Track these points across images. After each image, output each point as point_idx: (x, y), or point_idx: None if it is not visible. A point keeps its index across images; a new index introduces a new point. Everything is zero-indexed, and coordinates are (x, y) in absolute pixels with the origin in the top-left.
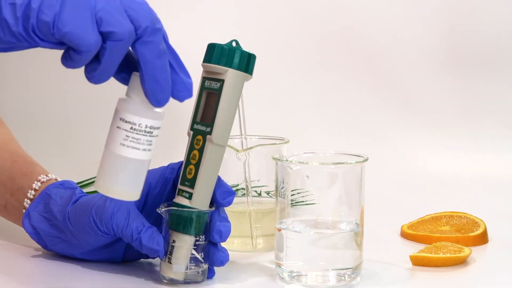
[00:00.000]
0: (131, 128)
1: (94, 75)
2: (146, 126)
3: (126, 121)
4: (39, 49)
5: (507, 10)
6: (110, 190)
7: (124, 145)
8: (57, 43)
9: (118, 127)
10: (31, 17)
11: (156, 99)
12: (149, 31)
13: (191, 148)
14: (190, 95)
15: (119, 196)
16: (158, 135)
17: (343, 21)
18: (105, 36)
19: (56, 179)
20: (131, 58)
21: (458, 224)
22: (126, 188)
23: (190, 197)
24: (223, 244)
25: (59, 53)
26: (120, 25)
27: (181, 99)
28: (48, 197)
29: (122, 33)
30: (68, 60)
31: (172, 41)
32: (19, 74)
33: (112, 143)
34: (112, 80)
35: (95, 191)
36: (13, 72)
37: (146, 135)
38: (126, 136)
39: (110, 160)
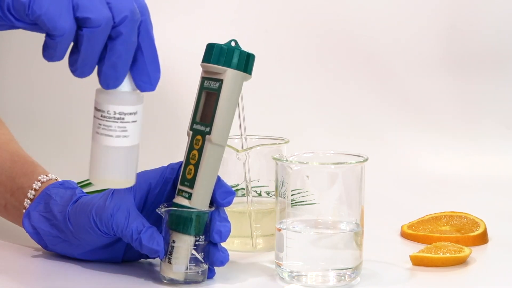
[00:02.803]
0: (101, 116)
1: (77, 66)
2: (115, 113)
3: (97, 109)
4: (39, 48)
5: (507, 10)
6: (95, 179)
7: (98, 133)
8: (33, 24)
9: (94, 116)
10: None
11: (107, 83)
12: (126, 21)
13: (190, 148)
14: (152, 88)
15: (106, 185)
16: (137, 121)
17: (343, 21)
18: (81, 22)
19: (56, 179)
20: None
21: (458, 224)
22: (111, 176)
23: (189, 197)
24: (223, 244)
25: None
26: (97, 12)
27: (141, 89)
28: (48, 197)
29: (99, 20)
30: (46, 49)
31: (171, 41)
32: (19, 74)
33: (92, 133)
34: None
35: (95, 191)
36: (13, 72)
37: (117, 122)
38: (99, 124)
39: (92, 150)
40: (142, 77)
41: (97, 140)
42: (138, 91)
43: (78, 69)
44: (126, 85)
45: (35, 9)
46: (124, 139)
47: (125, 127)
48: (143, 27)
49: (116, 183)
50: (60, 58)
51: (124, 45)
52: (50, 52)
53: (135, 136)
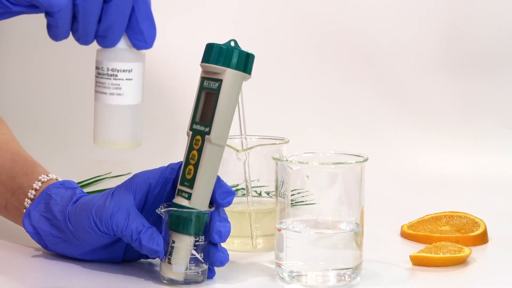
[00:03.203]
0: (98, 73)
1: (79, 35)
2: (108, 69)
3: (96, 68)
4: (39, 48)
5: (507, 10)
6: (95, 140)
7: (96, 91)
8: (29, 6)
9: (95, 76)
10: None
11: (104, 43)
12: None
13: (190, 148)
14: (147, 46)
15: (106, 146)
16: (133, 79)
17: (343, 21)
18: None
19: (56, 179)
20: None
21: (458, 224)
22: (109, 135)
23: (189, 197)
24: (223, 244)
25: (59, 53)
26: None
27: (137, 47)
28: (49, 197)
29: None
30: (49, 29)
31: (171, 41)
32: (19, 74)
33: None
34: None
35: (96, 191)
36: (13, 72)
37: (110, 78)
38: (96, 82)
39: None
40: (136, 35)
41: (95, 99)
42: (134, 49)
43: (81, 37)
44: (121, 42)
45: None
46: (118, 97)
47: (118, 85)
48: None
49: (114, 143)
50: (65, 35)
51: (119, 6)
52: (54, 31)
53: (131, 96)
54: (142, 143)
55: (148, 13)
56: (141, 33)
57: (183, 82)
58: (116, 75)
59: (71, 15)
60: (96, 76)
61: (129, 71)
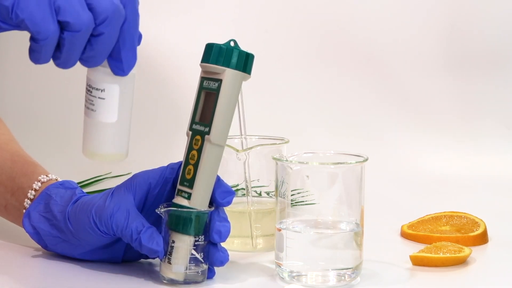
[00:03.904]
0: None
1: (59, 62)
2: (87, 84)
3: None
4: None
5: (507, 10)
6: (83, 150)
7: (84, 104)
8: (17, 26)
9: None
10: None
11: (86, 65)
12: (107, 22)
13: (189, 148)
14: (123, 74)
15: (89, 156)
16: (105, 99)
17: (343, 21)
18: (63, 26)
19: (56, 179)
20: None
21: (458, 224)
22: (92, 147)
23: (189, 197)
24: (223, 244)
25: None
26: (77, 16)
27: (114, 72)
28: (49, 197)
29: (79, 24)
30: (31, 52)
31: (171, 41)
32: (19, 74)
33: None
34: None
35: (96, 191)
36: (13, 72)
37: (87, 93)
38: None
39: None
40: (115, 62)
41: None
42: (110, 71)
43: (61, 63)
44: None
45: (18, 13)
46: (92, 113)
47: (92, 101)
48: (128, 13)
49: (96, 155)
50: (46, 60)
51: (105, 43)
52: (35, 55)
53: (104, 114)
54: (142, 142)
55: (132, 43)
56: (120, 61)
57: (183, 82)
58: (90, 92)
59: (55, 45)
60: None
61: (101, 91)
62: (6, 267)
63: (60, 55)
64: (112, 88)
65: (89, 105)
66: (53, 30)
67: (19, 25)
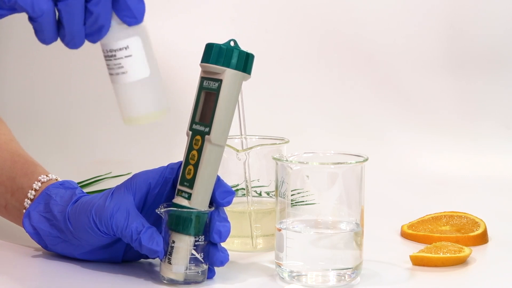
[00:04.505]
0: (104, 57)
1: (68, 40)
2: (107, 51)
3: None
4: (38, 48)
5: (507, 10)
6: (123, 119)
7: (109, 74)
8: (13, 9)
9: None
10: None
11: (92, 39)
12: None
13: (190, 148)
14: (137, 21)
15: (132, 122)
16: (132, 55)
17: (343, 21)
18: None
19: (56, 179)
20: None
21: (458, 224)
22: (131, 112)
23: (189, 197)
24: (223, 244)
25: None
26: None
27: (128, 24)
28: (49, 197)
29: None
30: (36, 33)
31: (171, 41)
32: (19, 74)
33: None
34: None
35: (96, 191)
36: (13, 72)
37: (111, 59)
38: (106, 65)
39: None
40: (124, 12)
41: (111, 81)
42: (125, 25)
43: (69, 41)
44: (112, 22)
45: None
46: (124, 76)
47: (120, 64)
48: None
49: (138, 118)
50: (52, 38)
51: (99, 4)
52: (40, 35)
53: (136, 71)
54: (142, 143)
55: None
56: (128, 9)
57: (183, 82)
58: (114, 56)
59: (54, 20)
60: (104, 60)
61: (125, 48)
62: (6, 267)
63: (64, 31)
64: (135, 41)
65: (118, 70)
66: (47, 5)
67: (14, 8)
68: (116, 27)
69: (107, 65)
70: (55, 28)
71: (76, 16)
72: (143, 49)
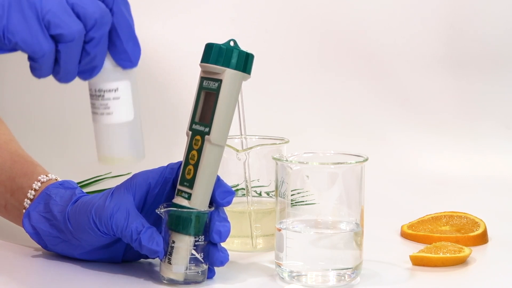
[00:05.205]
0: (90, 95)
1: (60, 77)
2: (95, 90)
3: (88, 90)
4: None
5: (507, 10)
6: (98, 157)
7: (92, 113)
8: (13, 49)
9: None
10: None
11: (84, 77)
12: (96, 26)
13: (189, 148)
14: (132, 65)
15: (107, 162)
16: (120, 97)
17: (343, 21)
18: (56, 39)
19: (56, 179)
20: None
21: (458, 224)
22: (108, 153)
23: (189, 197)
24: (223, 244)
25: None
26: (68, 26)
27: (123, 67)
28: (48, 197)
29: (71, 34)
30: (32, 70)
31: (170, 41)
32: (19, 74)
33: None
34: None
35: (96, 191)
36: (13, 72)
37: (98, 99)
38: (90, 103)
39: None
40: (121, 55)
41: (92, 120)
42: (118, 68)
43: (62, 78)
44: (105, 63)
45: (10, 38)
46: (108, 117)
47: (106, 104)
48: (116, 9)
49: (115, 160)
50: (48, 74)
51: (97, 46)
52: (37, 72)
53: (121, 114)
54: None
55: (131, 32)
56: (125, 53)
57: (183, 82)
58: (102, 96)
59: (53, 60)
60: (89, 98)
61: (115, 90)
62: (6, 267)
63: (59, 69)
64: (125, 84)
65: (103, 110)
66: (48, 46)
67: (14, 48)
68: (109, 69)
69: (92, 103)
70: (52, 67)
71: (74, 56)
72: (131, 93)
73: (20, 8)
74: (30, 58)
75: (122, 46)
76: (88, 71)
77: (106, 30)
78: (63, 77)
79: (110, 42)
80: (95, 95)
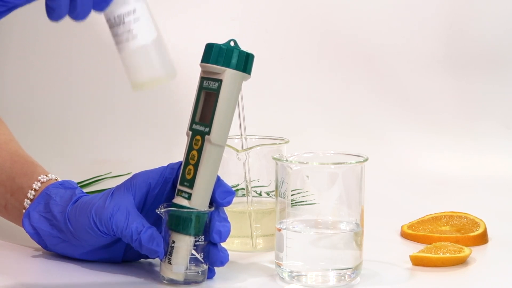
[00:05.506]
0: (109, 26)
1: (77, 12)
2: (115, 18)
3: (106, 22)
4: (38, 48)
5: (507, 10)
6: (132, 84)
7: (115, 44)
8: None
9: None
10: None
11: (100, 6)
12: None
13: (190, 148)
14: None
15: (144, 86)
16: (140, 18)
17: (343, 20)
18: None
19: (56, 179)
20: None
21: (458, 224)
22: (144, 77)
23: (189, 197)
24: (223, 244)
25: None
26: None
27: None
28: (48, 197)
29: None
30: (51, 12)
31: (170, 41)
32: (19, 74)
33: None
34: (112, 82)
35: (96, 191)
36: (13, 72)
37: (120, 26)
38: (112, 36)
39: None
40: None
41: (118, 51)
42: None
43: (79, 13)
44: None
45: None
46: (134, 41)
47: (129, 28)
48: None
49: (150, 82)
50: (65, 13)
51: None
52: (54, 12)
53: (145, 34)
54: (142, 142)
55: None
56: None
57: (183, 82)
58: (123, 22)
59: None
60: (109, 30)
61: (133, 12)
62: (6, 267)
63: (75, 3)
64: (140, 3)
65: (127, 35)
66: None
67: None
68: None
69: (114, 33)
70: (69, 3)
71: None
72: (148, 11)
73: None
74: None
75: None
76: (102, 2)
77: None
78: (80, 12)
79: None
80: (115, 23)
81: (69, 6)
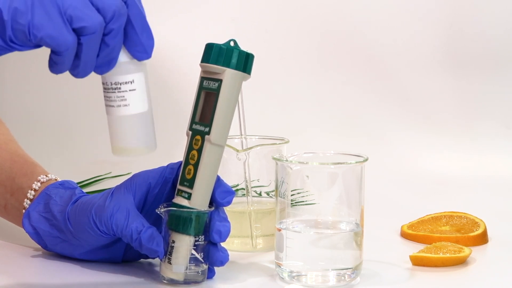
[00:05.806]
0: (104, 88)
1: (79, 70)
2: (111, 83)
3: (102, 83)
4: (38, 49)
5: (507, 10)
6: (112, 149)
7: (106, 105)
8: (37, 46)
9: (103, 91)
10: (7, 28)
11: (101, 70)
12: (115, 18)
13: (189, 148)
14: (147, 56)
15: (122, 154)
16: (136, 89)
17: (343, 20)
18: (78, 32)
19: (56, 179)
20: None
21: (458, 224)
22: (123, 144)
23: (189, 197)
24: (223, 244)
25: None
26: (90, 19)
27: (138, 59)
28: (48, 197)
29: (94, 26)
30: (53, 65)
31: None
32: (19, 74)
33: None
34: None
35: (96, 191)
36: (13, 72)
37: (114, 92)
38: (104, 97)
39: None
40: (136, 47)
41: (106, 113)
42: (134, 60)
43: (80, 72)
44: (120, 56)
45: (35, 33)
46: (125, 108)
47: (123, 96)
48: (130, 1)
49: (130, 151)
50: (68, 67)
51: (116, 38)
52: (58, 67)
53: (137, 105)
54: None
55: (145, 24)
56: (141, 45)
57: (183, 82)
58: (119, 88)
59: (75, 53)
60: (103, 92)
61: (131, 82)
62: (6, 267)
63: (78, 62)
64: (140, 76)
65: (120, 102)
66: (72, 39)
67: (38, 44)
68: (125, 61)
69: (108, 97)
70: (72, 61)
71: (94, 49)
72: (145, 84)
73: (43, 4)
74: (53, 53)
75: (137, 38)
76: (105, 64)
77: (123, 22)
78: (81, 71)
79: (124, 34)
80: (111, 88)
81: (71, 64)
